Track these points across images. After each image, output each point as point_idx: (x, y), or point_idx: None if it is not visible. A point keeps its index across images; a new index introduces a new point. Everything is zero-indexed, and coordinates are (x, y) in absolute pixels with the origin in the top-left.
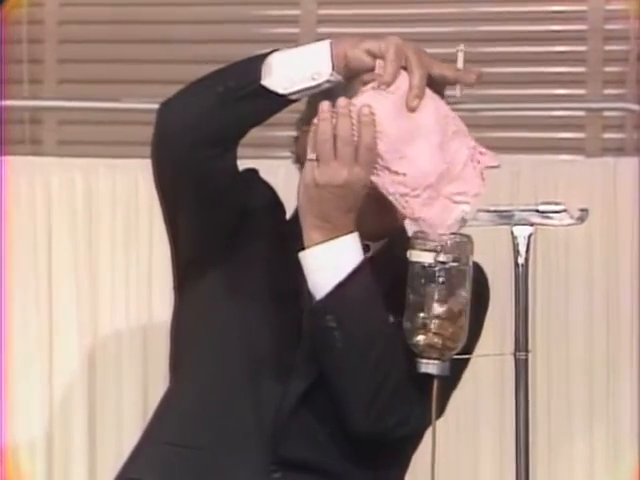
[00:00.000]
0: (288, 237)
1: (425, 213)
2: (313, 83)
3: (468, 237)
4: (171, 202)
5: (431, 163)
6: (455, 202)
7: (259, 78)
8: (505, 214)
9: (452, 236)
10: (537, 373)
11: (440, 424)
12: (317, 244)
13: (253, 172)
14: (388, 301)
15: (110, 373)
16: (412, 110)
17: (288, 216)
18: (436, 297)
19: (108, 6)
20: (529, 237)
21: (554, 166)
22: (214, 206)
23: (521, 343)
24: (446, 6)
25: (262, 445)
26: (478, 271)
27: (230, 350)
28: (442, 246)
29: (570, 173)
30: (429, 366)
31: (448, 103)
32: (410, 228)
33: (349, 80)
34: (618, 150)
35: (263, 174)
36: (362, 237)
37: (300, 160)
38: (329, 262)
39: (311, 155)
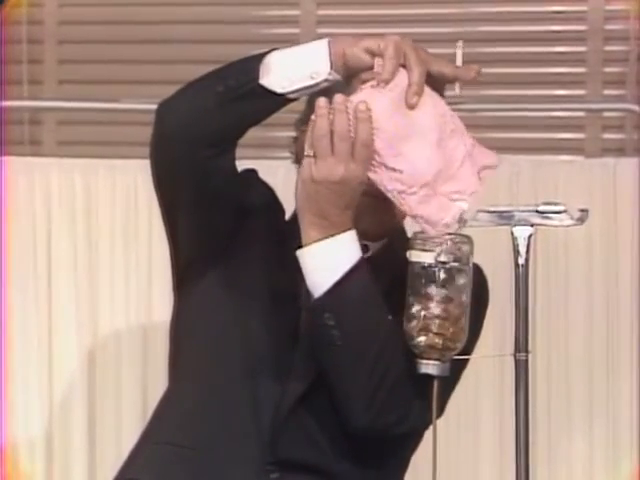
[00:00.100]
0: (287, 237)
1: (422, 211)
2: (311, 82)
3: (468, 237)
4: (170, 202)
5: (428, 161)
6: (452, 200)
7: (257, 77)
8: (505, 214)
9: (452, 236)
10: (537, 373)
11: (440, 424)
12: (315, 242)
13: (252, 172)
14: (387, 301)
15: (110, 373)
16: (411, 107)
17: (287, 216)
18: (436, 297)
19: (107, 6)
20: (529, 238)
21: (554, 167)
22: (213, 206)
23: (521, 344)
24: (446, 6)
25: (260, 445)
26: (477, 272)
27: (229, 350)
28: (442, 246)
29: (570, 174)
30: (429, 367)
31: (448, 103)
32: (410, 228)
33: (348, 79)
34: (618, 151)
35: (262, 174)
36: (361, 237)
37: (299, 160)
38: (327, 260)
39: (308, 151)
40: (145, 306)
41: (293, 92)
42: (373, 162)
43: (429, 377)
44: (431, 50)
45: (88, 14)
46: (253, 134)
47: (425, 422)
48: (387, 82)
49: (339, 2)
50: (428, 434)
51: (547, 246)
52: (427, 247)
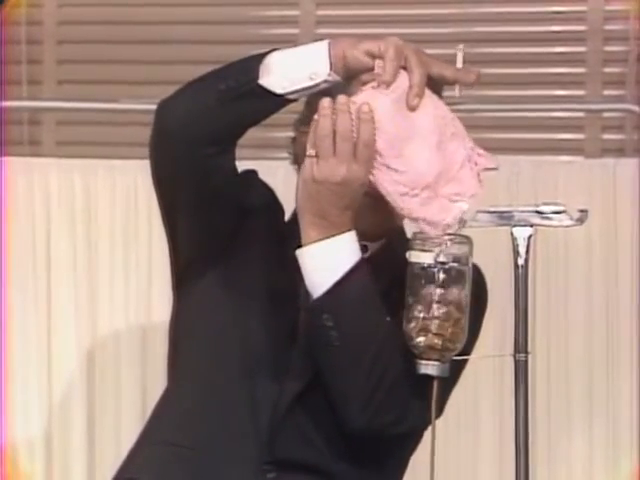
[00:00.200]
0: (287, 238)
1: (423, 213)
2: (311, 83)
3: (468, 238)
4: (169, 202)
5: (429, 162)
6: (453, 202)
7: (257, 77)
8: (505, 215)
9: (452, 237)
10: (537, 374)
11: (440, 424)
12: (314, 242)
13: (252, 173)
14: (386, 301)
15: (109, 373)
16: (412, 109)
17: (287, 217)
18: (436, 298)
19: (107, 7)
20: (529, 238)
21: (554, 167)
22: (213, 206)
23: (521, 344)
24: (445, 7)
25: (257, 445)
26: (476, 273)
27: (227, 350)
28: (442, 247)
29: (570, 174)
30: (429, 367)
31: (447, 104)
32: (409, 229)
33: (347, 80)
34: (618, 151)
35: (262, 175)
36: (360, 237)
37: (298, 161)
38: (326, 260)
39: (310, 151)
40: (144, 306)
41: (293, 93)
42: (375, 163)
43: (428, 377)
44: (431, 50)
45: (87, 14)
46: (253, 134)
47: (423, 422)
48: (388, 84)
49: (338, 2)
50: (427, 434)
51: (547, 246)
52: (426, 248)
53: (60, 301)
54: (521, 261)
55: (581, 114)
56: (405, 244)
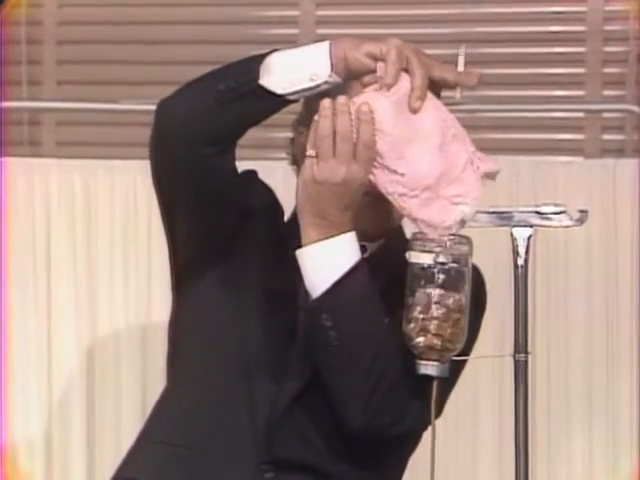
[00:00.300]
0: (286, 238)
1: (423, 214)
2: (312, 84)
3: (467, 238)
4: (169, 202)
5: (430, 164)
6: (454, 203)
7: (257, 78)
8: (504, 215)
9: (451, 237)
10: (537, 374)
11: (440, 424)
12: (314, 242)
13: (252, 173)
14: (385, 301)
15: (109, 373)
16: (415, 111)
17: (286, 217)
18: (435, 298)
19: (107, 7)
20: (528, 238)
21: (553, 167)
22: (212, 206)
23: (520, 345)
24: (445, 7)
25: (255, 445)
26: (475, 273)
27: (226, 350)
28: (441, 247)
29: (569, 174)
30: (428, 367)
31: (446, 104)
32: (409, 229)
33: (348, 81)
34: (617, 151)
35: (261, 175)
36: (359, 237)
37: (297, 161)
38: (326, 261)
39: (310, 151)
40: (144, 306)
41: (293, 93)
42: (375, 164)
43: (428, 378)
44: (431, 51)
45: (87, 15)
46: (252, 135)
47: (422, 423)
48: (390, 86)
49: (338, 3)
50: (427, 435)
51: (547, 247)
52: (426, 248)
53: (60, 301)
54: (521, 261)
55: (581, 114)
56: (404, 244)
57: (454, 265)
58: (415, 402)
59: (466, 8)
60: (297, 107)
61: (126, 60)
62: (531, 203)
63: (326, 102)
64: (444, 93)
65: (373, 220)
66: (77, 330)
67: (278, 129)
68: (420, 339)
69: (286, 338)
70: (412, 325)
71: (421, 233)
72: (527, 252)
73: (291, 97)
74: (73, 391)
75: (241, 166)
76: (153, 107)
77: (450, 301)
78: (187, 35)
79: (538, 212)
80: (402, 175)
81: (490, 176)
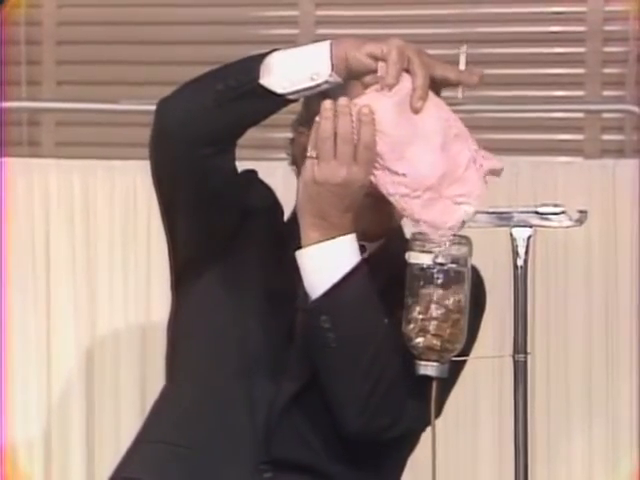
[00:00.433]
0: (286, 238)
1: (425, 215)
2: (312, 84)
3: (467, 239)
4: (169, 202)
5: (432, 165)
6: (457, 203)
7: (258, 77)
8: (504, 216)
9: (451, 238)
10: (536, 374)
11: (439, 425)
12: (314, 243)
13: (252, 173)
14: (384, 302)
15: (108, 373)
16: (416, 111)
17: (286, 217)
18: (434, 299)
19: (106, 7)
20: (528, 239)
21: (553, 168)
22: (212, 206)
23: (520, 345)
24: (445, 7)
25: (254, 445)
26: (474, 274)
27: (225, 350)
28: (441, 248)
29: (569, 175)
30: (428, 368)
31: (448, 104)
32: (409, 229)
33: (349, 81)
34: (617, 152)
35: (261, 175)
36: (359, 238)
37: (296, 162)
38: (325, 262)
39: (311, 152)
40: (143, 306)
41: (293, 93)
42: (376, 165)
43: (427, 378)
44: (431, 51)
45: (87, 15)
46: (252, 135)
47: (420, 424)
48: (391, 87)
49: (338, 3)
50: (427, 435)
51: (546, 247)
52: (425, 248)
53: (59, 301)
54: (520, 262)
55: (581, 115)
56: (404, 244)
57: (453, 265)
58: (413, 403)
59: (466, 8)
60: (297, 107)
61: (126, 60)
62: (531, 203)
63: (327, 103)
64: (445, 93)
65: (374, 221)
66: (76, 330)
67: (278, 129)
68: (419, 339)
69: (285, 338)
70: (411, 325)
71: (420, 233)
72: (527, 252)
73: (291, 97)
74: (72, 391)
75: (241, 166)
76: (153, 107)
77: (449, 301)
78: (187, 35)
79: (538, 212)
80: (404, 176)
81: (495, 173)
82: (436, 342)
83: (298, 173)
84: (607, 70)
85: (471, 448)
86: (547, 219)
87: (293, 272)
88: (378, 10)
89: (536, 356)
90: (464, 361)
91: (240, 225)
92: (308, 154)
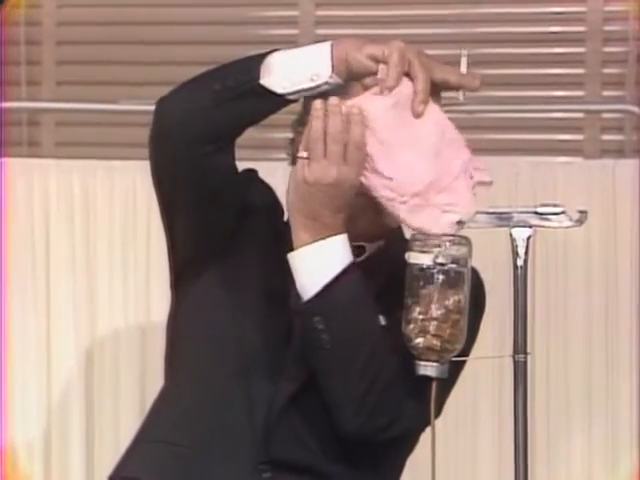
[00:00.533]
0: (285, 238)
1: (411, 220)
2: (312, 84)
3: (467, 239)
4: (169, 201)
5: (420, 171)
6: (444, 212)
7: (258, 77)
8: (504, 216)
9: (451, 238)
10: (536, 374)
11: (439, 425)
12: (305, 244)
13: (252, 172)
14: (384, 302)
15: (108, 373)
16: (418, 115)
17: (286, 217)
18: (434, 299)
19: (106, 8)
20: (528, 239)
21: (553, 168)
22: (212, 205)
23: (520, 345)
24: (444, 7)
25: (253, 445)
26: (474, 275)
27: (225, 350)
28: (440, 248)
29: (569, 175)
30: (427, 368)
31: (447, 104)
32: (409, 230)
33: (349, 82)
34: (617, 152)
35: (261, 175)
36: (358, 238)
37: (296, 162)
38: (317, 263)
39: (302, 153)
40: (143, 307)
41: (293, 93)
42: (367, 166)
43: (427, 379)
44: (431, 51)
45: (86, 15)
46: (252, 135)
47: (418, 424)
48: (391, 89)
49: (338, 3)
50: (426, 435)
51: (546, 247)
52: (425, 249)
53: (59, 301)
54: (520, 262)
55: (580, 115)
56: (403, 245)
57: (453, 266)
58: (412, 403)
59: (466, 8)
60: (297, 107)
61: (125, 60)
62: (530, 203)
63: (318, 103)
64: (445, 93)
65: (373, 221)
66: (76, 330)
67: (278, 129)
68: (419, 340)
69: (283, 338)
70: (411, 326)
71: (420, 234)
72: (526, 253)
73: (291, 97)
74: (72, 391)
75: (241, 166)
76: (152, 107)
77: (449, 302)
78: (187, 35)
79: (537, 213)
80: (390, 180)
81: (484, 185)
82: (436, 342)
83: None
84: (607, 70)
85: (471, 448)
86: (547, 219)
87: (290, 272)
88: (378, 10)
89: (536, 356)
90: (464, 361)
91: (240, 224)
92: (299, 154)
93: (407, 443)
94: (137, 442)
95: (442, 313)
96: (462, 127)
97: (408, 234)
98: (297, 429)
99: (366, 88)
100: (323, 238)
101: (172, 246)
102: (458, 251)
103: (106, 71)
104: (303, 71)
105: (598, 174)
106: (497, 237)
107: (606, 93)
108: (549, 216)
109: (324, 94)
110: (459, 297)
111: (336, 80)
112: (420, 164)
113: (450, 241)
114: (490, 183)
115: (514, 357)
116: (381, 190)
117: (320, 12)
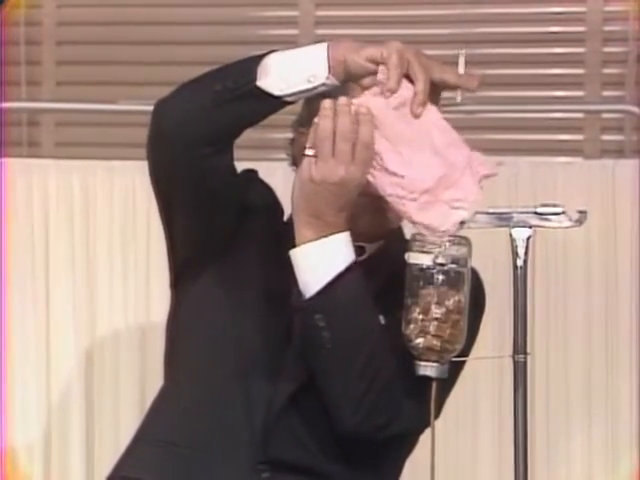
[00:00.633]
0: (285, 237)
1: (422, 217)
2: (309, 86)
3: (466, 239)
4: (167, 202)
5: (430, 167)
6: (453, 208)
7: (255, 79)
8: (504, 216)
9: (451, 238)
10: (536, 375)
11: (439, 425)
12: (308, 242)
13: (252, 172)
14: (384, 302)
15: (108, 373)
16: (417, 116)
17: (286, 217)
18: (434, 299)
19: (106, 8)
20: (528, 239)
21: (553, 168)
22: (211, 206)
23: (520, 345)
24: (444, 8)
25: (252, 445)
26: (474, 276)
27: (224, 350)
28: (440, 248)
29: (569, 175)
30: (427, 369)
31: (445, 105)
32: (409, 230)
33: (347, 83)
34: (617, 152)
35: (261, 176)
36: (358, 238)
37: (296, 162)
38: (319, 261)
39: (309, 151)
40: (143, 307)
41: (290, 95)
42: (375, 165)
43: (427, 379)
44: (430, 51)
45: (86, 15)
46: (251, 136)
47: (417, 424)
48: (393, 91)
49: (338, 3)
50: (426, 435)
51: (546, 248)
52: (425, 249)
53: (59, 301)
54: (520, 262)
55: (580, 115)
56: (403, 245)
57: (453, 266)
58: (411, 402)
59: (466, 8)
60: (297, 107)
61: (125, 61)
62: (530, 204)
63: (327, 102)
64: (444, 93)
65: (373, 221)
66: (76, 330)
67: (278, 130)
68: (419, 340)
69: (283, 338)
70: (411, 326)
71: (420, 234)
72: (526, 253)
73: (288, 99)
74: (72, 392)
75: (241, 166)
76: (152, 108)
77: (449, 302)
78: (186, 35)
79: (537, 213)
80: (401, 177)
81: (489, 177)
82: (436, 343)
83: None
84: (607, 70)
85: (471, 448)
86: (547, 219)
87: (291, 272)
88: (378, 10)
89: (536, 356)
90: (464, 362)
91: (239, 224)
92: (305, 152)
93: (407, 443)
94: (136, 442)
95: (442, 313)
96: (462, 127)
97: (408, 234)
98: (296, 429)
99: (364, 89)
100: (326, 236)
101: (171, 246)
102: (458, 251)
103: (106, 71)
104: (300, 73)
105: (598, 174)
106: (497, 237)
107: (606, 93)
108: (549, 216)
109: (325, 94)
110: (459, 297)
111: (333, 82)
112: (428, 161)
113: (450, 241)
114: (495, 174)
115: (514, 357)
116: (390, 188)
117: (320, 12)
